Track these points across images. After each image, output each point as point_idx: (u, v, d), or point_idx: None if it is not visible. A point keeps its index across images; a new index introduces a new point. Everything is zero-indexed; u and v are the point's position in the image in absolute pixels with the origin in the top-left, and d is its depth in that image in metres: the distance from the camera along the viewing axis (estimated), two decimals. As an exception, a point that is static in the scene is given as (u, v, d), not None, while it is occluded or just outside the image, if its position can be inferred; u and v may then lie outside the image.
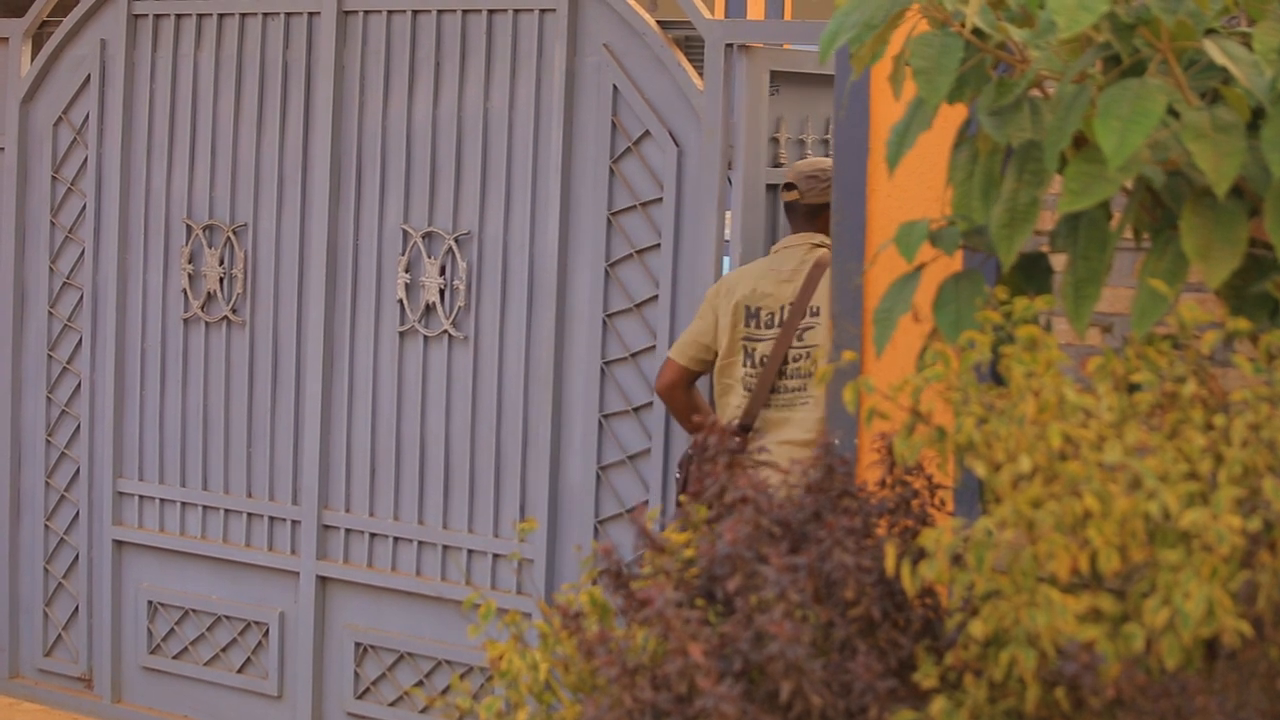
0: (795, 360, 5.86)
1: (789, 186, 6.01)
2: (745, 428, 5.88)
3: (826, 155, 6.52)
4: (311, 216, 6.85)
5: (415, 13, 6.62)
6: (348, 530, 6.83)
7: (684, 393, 5.96)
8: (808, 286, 5.86)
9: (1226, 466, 3.14)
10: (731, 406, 5.92)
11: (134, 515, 7.33)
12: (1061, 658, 3.12)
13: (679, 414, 5.99)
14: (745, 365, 5.89)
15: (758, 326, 5.88)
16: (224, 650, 7.16)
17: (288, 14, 6.90)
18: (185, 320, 7.16)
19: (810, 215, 5.97)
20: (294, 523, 6.94)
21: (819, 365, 5.80)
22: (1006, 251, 3.42)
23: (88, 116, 7.34)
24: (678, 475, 6.05)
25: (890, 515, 3.52)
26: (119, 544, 7.36)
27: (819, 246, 5.92)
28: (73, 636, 7.51)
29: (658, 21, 6.23)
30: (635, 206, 6.24)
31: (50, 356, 7.48)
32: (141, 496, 7.30)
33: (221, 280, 7.06)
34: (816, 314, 5.84)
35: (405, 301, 6.64)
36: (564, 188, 6.33)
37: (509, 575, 6.46)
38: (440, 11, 6.57)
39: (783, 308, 5.86)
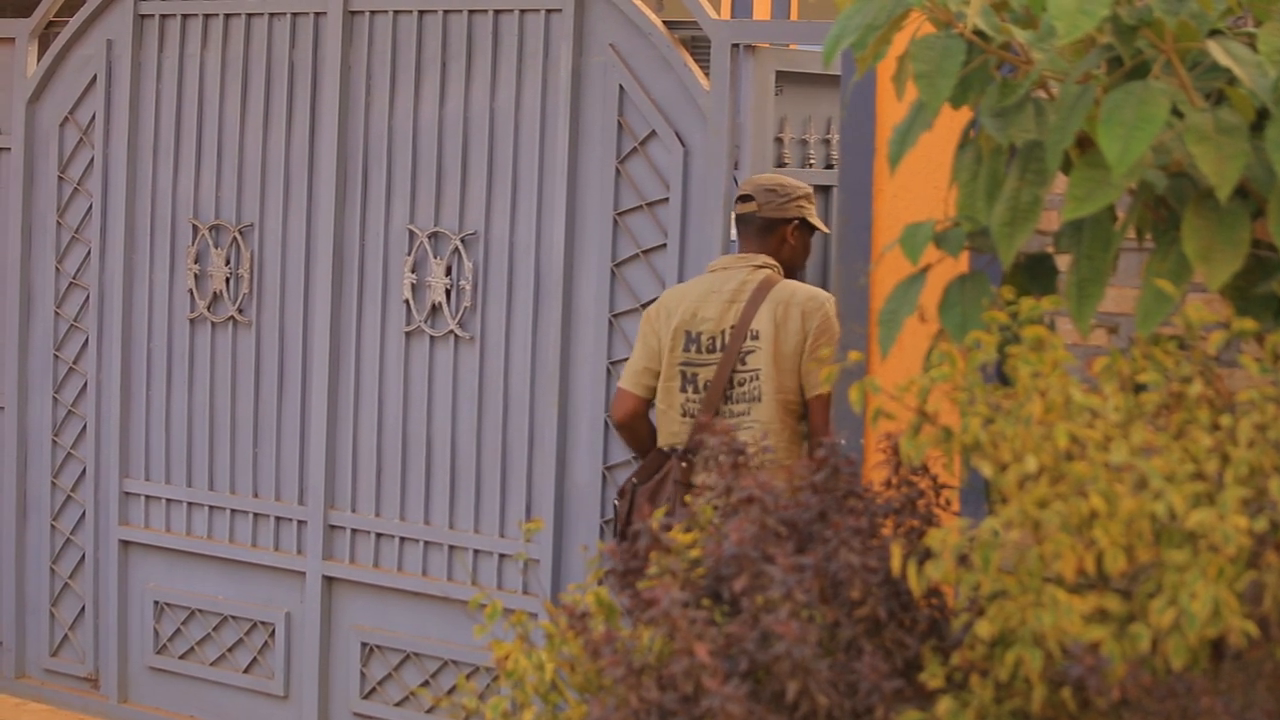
0: (740, 385, 5.80)
1: (745, 198, 5.91)
2: (691, 452, 5.81)
3: (830, 155, 6.52)
4: (317, 216, 6.86)
5: (421, 13, 6.62)
6: (354, 530, 6.83)
7: (644, 421, 5.92)
8: (749, 310, 5.78)
9: (1233, 467, 3.14)
10: (668, 432, 5.87)
11: (140, 515, 7.33)
12: (1067, 658, 3.12)
13: (638, 443, 5.94)
14: (686, 390, 5.82)
15: (698, 351, 5.80)
16: (230, 650, 7.17)
17: (294, 14, 6.90)
18: (191, 320, 7.17)
19: (763, 231, 5.89)
20: (300, 523, 6.95)
21: (764, 389, 5.77)
22: (1007, 250, 3.41)
23: (94, 116, 7.35)
24: (616, 503, 6.00)
25: (896, 515, 3.53)
26: (125, 544, 7.37)
27: (761, 268, 5.84)
28: (79, 636, 7.52)
29: (664, 22, 6.24)
30: (641, 206, 6.24)
31: (56, 357, 7.49)
32: (148, 496, 7.31)
33: (227, 280, 7.07)
34: (757, 337, 5.76)
35: (411, 302, 6.64)
36: (570, 188, 6.33)
37: (515, 575, 6.46)
38: (446, 11, 6.57)
39: (724, 332, 5.78)
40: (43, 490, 7.56)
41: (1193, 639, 3.05)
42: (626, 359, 6.21)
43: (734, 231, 6.18)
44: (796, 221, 5.91)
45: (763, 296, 5.78)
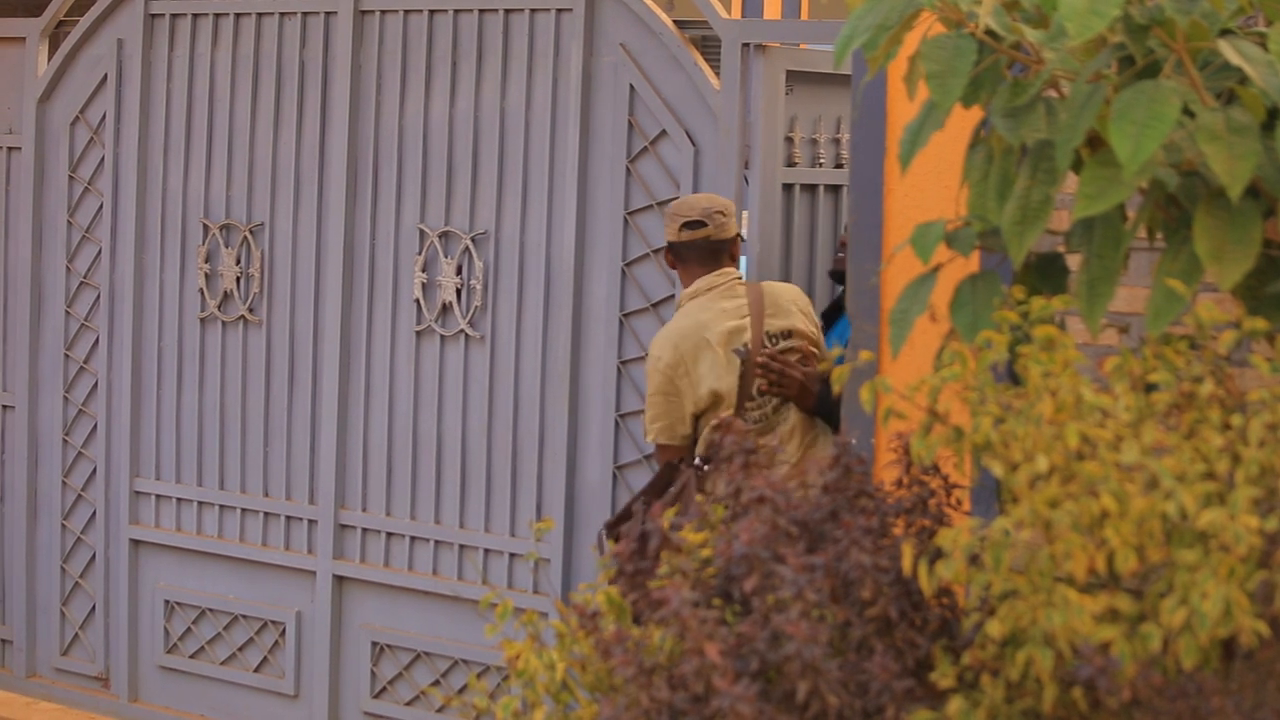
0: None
1: (697, 224, 5.78)
2: (705, 460, 5.78)
3: (840, 154, 6.52)
4: (328, 216, 6.86)
5: (432, 12, 6.62)
6: (364, 530, 6.83)
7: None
8: (756, 319, 5.74)
9: (1244, 466, 3.14)
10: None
11: (151, 514, 7.34)
12: (1078, 658, 3.12)
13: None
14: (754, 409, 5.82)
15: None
16: (240, 649, 7.17)
17: (304, 13, 6.91)
18: (202, 319, 7.18)
19: (714, 252, 5.82)
20: (310, 522, 6.95)
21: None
22: (1017, 249, 3.42)
23: (105, 116, 7.36)
24: (604, 532, 5.93)
25: (907, 515, 3.53)
26: (136, 543, 7.37)
27: (741, 280, 5.83)
28: (90, 636, 7.52)
29: (674, 21, 6.24)
30: (652, 206, 6.24)
31: (67, 356, 7.50)
32: (158, 496, 7.31)
33: (238, 280, 7.07)
34: (789, 336, 5.76)
35: (422, 301, 6.65)
36: (580, 187, 6.33)
37: (526, 575, 6.47)
38: (457, 11, 6.58)
39: (772, 336, 5.77)
40: (53, 489, 7.57)
41: (1204, 639, 3.05)
42: (638, 358, 6.21)
43: (746, 230, 6.15)
44: (736, 236, 5.89)
45: (760, 298, 5.77)
